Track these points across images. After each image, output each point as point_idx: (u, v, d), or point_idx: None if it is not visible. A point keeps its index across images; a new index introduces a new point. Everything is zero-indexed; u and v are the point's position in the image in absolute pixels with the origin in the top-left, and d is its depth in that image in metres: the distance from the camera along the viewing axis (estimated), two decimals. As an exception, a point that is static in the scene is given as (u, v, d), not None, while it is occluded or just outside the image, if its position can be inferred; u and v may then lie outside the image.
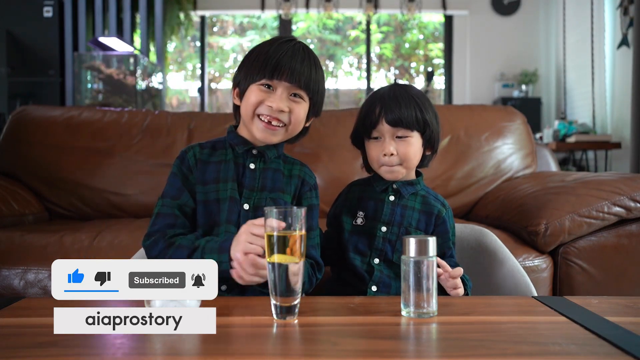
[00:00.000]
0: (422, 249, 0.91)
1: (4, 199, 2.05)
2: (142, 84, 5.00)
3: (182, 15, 5.91)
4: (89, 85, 4.90)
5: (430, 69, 6.74)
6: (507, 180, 2.29)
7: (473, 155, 2.31)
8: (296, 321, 0.89)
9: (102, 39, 4.86)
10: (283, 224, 0.91)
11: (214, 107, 6.74)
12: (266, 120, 1.22)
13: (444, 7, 6.02)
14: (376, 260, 1.30)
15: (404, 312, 0.93)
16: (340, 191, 1.42)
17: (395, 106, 1.28)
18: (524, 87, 5.72)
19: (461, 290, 1.17)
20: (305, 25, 6.90)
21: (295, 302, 0.90)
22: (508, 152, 2.34)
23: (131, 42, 5.41)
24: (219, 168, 1.26)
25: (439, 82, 6.59)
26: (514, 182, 2.21)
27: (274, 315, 0.90)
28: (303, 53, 1.24)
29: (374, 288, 1.27)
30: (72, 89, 5.05)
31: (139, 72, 4.92)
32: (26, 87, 5.05)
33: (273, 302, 0.90)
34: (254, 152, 1.27)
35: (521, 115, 2.46)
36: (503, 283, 1.35)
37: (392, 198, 1.33)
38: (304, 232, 0.91)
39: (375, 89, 1.39)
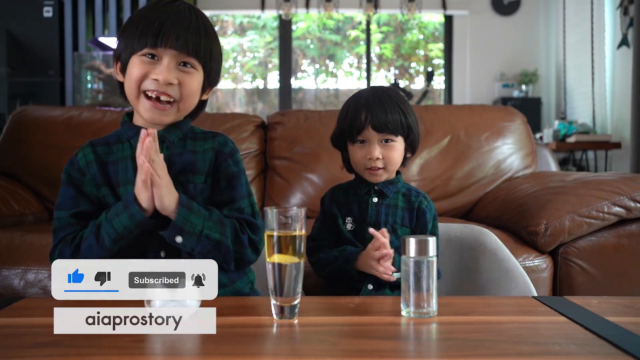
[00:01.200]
0: (422, 249, 0.91)
1: (4, 199, 2.05)
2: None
3: (182, 15, 5.91)
4: (89, 85, 4.90)
5: (430, 69, 6.73)
6: (507, 180, 2.29)
7: (473, 155, 2.31)
8: (296, 321, 0.89)
9: (102, 39, 4.86)
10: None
11: (214, 107, 6.73)
12: (154, 97, 1.07)
13: (444, 7, 6.02)
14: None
15: (404, 312, 0.93)
16: (322, 196, 1.42)
17: (381, 112, 1.29)
18: (524, 87, 5.71)
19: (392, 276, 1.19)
20: (305, 25, 6.91)
21: (295, 302, 0.90)
22: (508, 152, 2.34)
23: (131, 42, 5.41)
24: (117, 169, 1.11)
25: (439, 82, 6.59)
26: (514, 182, 2.21)
27: (274, 315, 0.90)
28: (189, 13, 1.09)
29: (369, 287, 1.27)
30: (72, 89, 5.05)
31: (139, 72, 4.92)
32: (26, 87, 5.05)
33: (273, 302, 0.90)
34: None
35: (521, 115, 2.46)
36: (503, 283, 1.35)
37: (375, 199, 1.35)
38: (304, 232, 0.91)
39: (354, 92, 1.39)
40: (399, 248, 1.14)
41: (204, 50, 1.09)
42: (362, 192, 1.35)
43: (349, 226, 1.35)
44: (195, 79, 1.10)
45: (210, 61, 1.12)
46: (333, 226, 1.36)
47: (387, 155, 1.31)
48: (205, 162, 1.15)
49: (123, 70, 1.11)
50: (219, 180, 1.16)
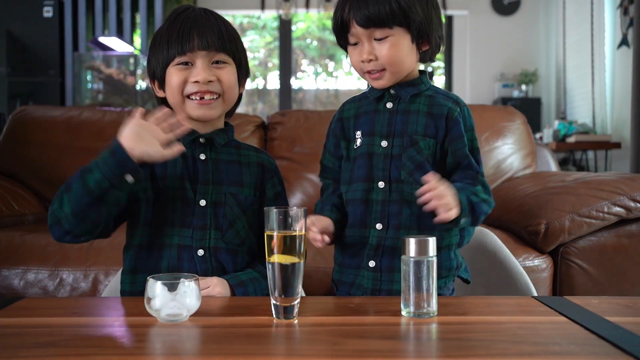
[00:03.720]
0: (422, 249, 0.91)
1: (4, 199, 2.05)
2: (142, 84, 5.00)
3: (182, 15, 5.91)
4: (89, 85, 4.90)
5: (430, 69, 6.74)
6: (507, 180, 2.29)
7: (473, 155, 2.31)
8: (296, 321, 0.89)
9: (102, 39, 4.85)
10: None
11: (214, 107, 6.70)
12: (198, 98, 1.12)
13: (444, 7, 6.01)
14: (381, 184, 1.12)
15: (404, 312, 0.93)
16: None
17: (364, 1, 1.07)
18: (524, 87, 5.71)
19: (454, 212, 1.01)
20: (305, 25, 6.91)
21: (295, 302, 0.90)
22: (508, 152, 2.34)
23: (131, 42, 5.41)
24: (166, 164, 1.14)
25: (439, 82, 6.59)
26: (514, 182, 2.21)
27: (274, 315, 0.90)
28: (205, 15, 1.14)
29: (378, 226, 1.11)
30: (72, 89, 5.05)
31: (139, 72, 4.92)
32: (26, 87, 5.04)
33: (273, 302, 0.90)
34: (202, 140, 1.16)
35: (521, 115, 2.46)
36: (503, 283, 1.35)
37: (389, 105, 1.15)
38: (304, 232, 0.91)
39: None
40: (421, 165, 1.09)
41: (229, 43, 1.14)
42: (374, 98, 1.16)
43: (358, 142, 1.16)
44: (231, 72, 1.15)
45: (239, 52, 1.16)
46: (338, 152, 1.20)
47: (383, 54, 1.09)
48: (252, 176, 1.19)
49: (162, 86, 1.16)
50: (265, 197, 1.21)
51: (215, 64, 1.13)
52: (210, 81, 1.12)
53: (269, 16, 6.29)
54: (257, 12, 6.12)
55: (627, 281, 1.74)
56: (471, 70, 5.97)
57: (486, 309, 1.00)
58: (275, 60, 6.58)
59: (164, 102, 1.20)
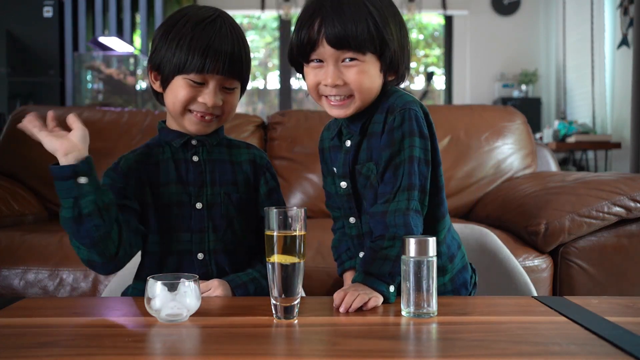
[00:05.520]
0: (422, 249, 0.91)
1: (4, 199, 2.05)
2: (142, 84, 5.00)
3: (182, 15, 5.91)
4: (89, 85, 4.90)
5: (430, 70, 6.73)
6: (507, 180, 2.29)
7: (473, 155, 2.31)
8: (296, 321, 0.89)
9: (102, 39, 4.85)
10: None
11: (214, 107, 6.70)
12: (199, 115, 1.11)
13: (444, 7, 6.01)
14: (352, 220, 1.12)
15: (404, 312, 0.93)
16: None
17: (339, 18, 0.95)
18: (524, 87, 5.71)
19: (374, 300, 0.95)
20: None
21: (295, 302, 0.90)
22: (508, 152, 2.34)
23: (131, 42, 5.41)
24: (159, 169, 1.14)
25: (439, 82, 6.58)
26: (514, 182, 2.21)
27: (274, 315, 0.90)
28: (230, 34, 1.10)
29: (361, 254, 1.14)
30: (72, 89, 5.05)
31: (139, 72, 4.92)
32: (26, 87, 5.04)
33: (273, 302, 0.90)
34: (194, 142, 1.16)
35: (521, 115, 2.46)
36: (503, 283, 1.35)
37: (348, 144, 1.07)
38: (304, 232, 0.90)
39: None
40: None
41: (244, 69, 1.12)
42: (331, 137, 1.10)
43: (343, 184, 1.10)
44: (236, 97, 1.15)
45: (248, 75, 1.15)
46: (331, 185, 1.16)
47: (351, 79, 0.98)
48: (244, 174, 1.19)
49: (163, 84, 1.13)
50: (259, 193, 1.21)
51: (224, 88, 1.11)
52: (216, 106, 1.11)
53: (269, 16, 6.29)
54: (257, 12, 6.12)
55: (627, 281, 1.74)
56: (471, 70, 5.97)
57: (486, 309, 1.00)
58: (275, 61, 6.58)
59: (157, 94, 1.17)
